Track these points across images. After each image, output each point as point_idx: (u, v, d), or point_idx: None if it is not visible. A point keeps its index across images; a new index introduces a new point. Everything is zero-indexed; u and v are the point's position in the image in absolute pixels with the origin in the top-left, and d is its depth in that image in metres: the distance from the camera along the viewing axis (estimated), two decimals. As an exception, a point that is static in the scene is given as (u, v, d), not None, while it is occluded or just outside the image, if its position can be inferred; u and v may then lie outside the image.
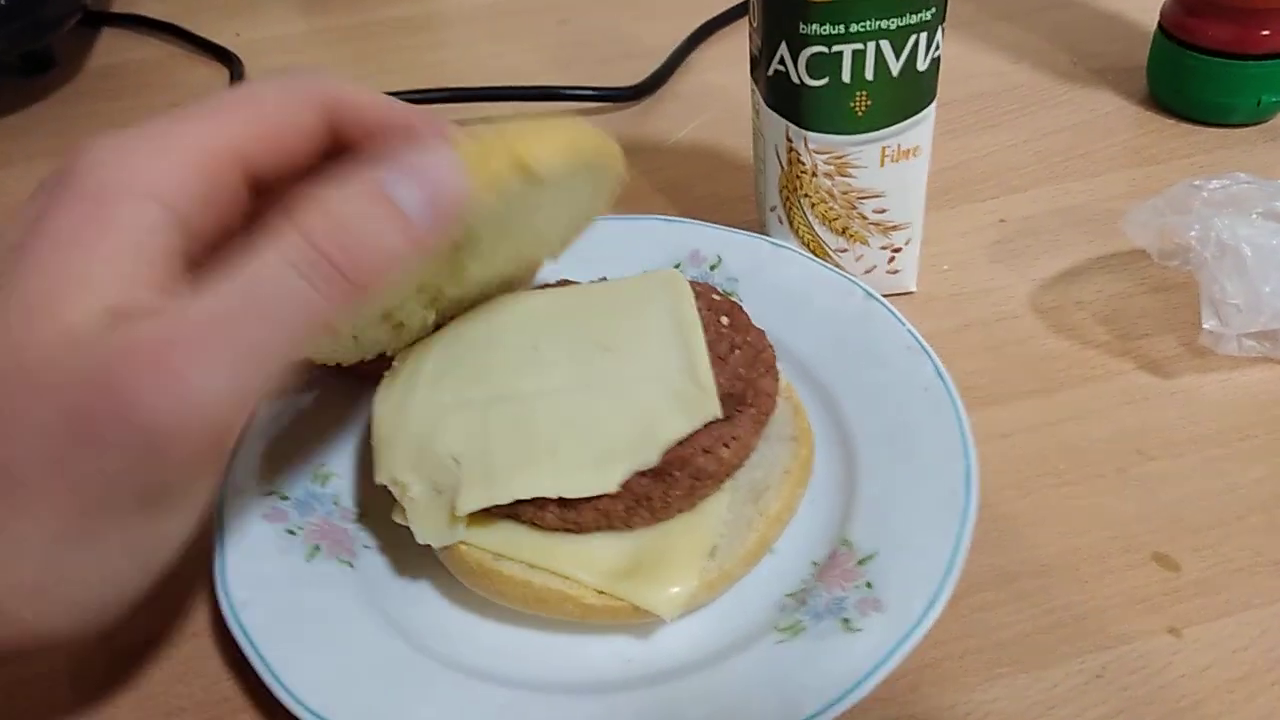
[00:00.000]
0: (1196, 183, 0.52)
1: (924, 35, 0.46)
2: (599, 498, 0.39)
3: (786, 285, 0.52)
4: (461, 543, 0.39)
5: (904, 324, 0.49)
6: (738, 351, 0.44)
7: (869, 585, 0.40)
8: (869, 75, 0.47)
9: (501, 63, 0.82)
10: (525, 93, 0.72)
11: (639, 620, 0.39)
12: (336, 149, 0.36)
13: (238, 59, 0.80)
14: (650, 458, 0.39)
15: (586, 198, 0.43)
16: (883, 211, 0.52)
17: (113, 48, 0.86)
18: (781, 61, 0.48)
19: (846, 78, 0.47)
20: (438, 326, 0.45)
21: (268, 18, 0.89)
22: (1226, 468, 0.47)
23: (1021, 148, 0.68)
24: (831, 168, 0.51)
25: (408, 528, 0.40)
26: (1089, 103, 0.72)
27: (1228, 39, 0.64)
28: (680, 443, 0.39)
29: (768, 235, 0.56)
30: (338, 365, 0.45)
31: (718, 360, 0.42)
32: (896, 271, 0.55)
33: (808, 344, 0.49)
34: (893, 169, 0.50)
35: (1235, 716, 0.38)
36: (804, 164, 0.51)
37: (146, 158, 0.31)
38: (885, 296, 0.51)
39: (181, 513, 0.32)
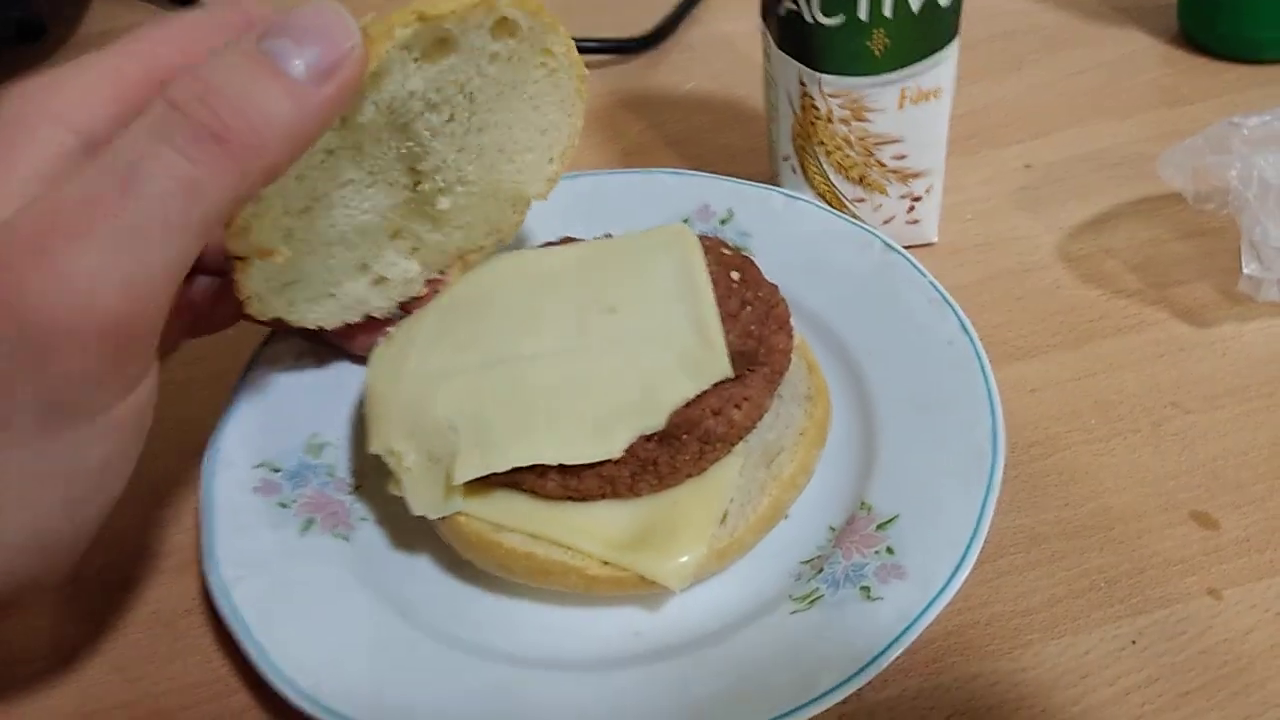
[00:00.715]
0: (1236, 120, 0.50)
1: (944, -34, 0.44)
2: (602, 464, 0.37)
3: (801, 238, 0.50)
4: (460, 514, 0.38)
5: (925, 276, 0.46)
6: (749, 308, 0.41)
7: (890, 551, 0.38)
8: (887, 11, 0.44)
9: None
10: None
11: (646, 591, 0.37)
12: None
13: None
14: (656, 421, 0.37)
15: (551, 104, 0.41)
16: (902, 158, 0.50)
17: (104, 14, 0.84)
18: (793, -1, 0.45)
19: (864, 14, 0.45)
20: (430, 283, 0.43)
21: (264, -23, 0.87)
22: (1268, 420, 0.44)
23: (1047, 90, 0.65)
24: (847, 112, 0.48)
25: (401, 500, 0.38)
26: (1117, 41, 0.69)
27: (1265, -33, 0.61)
28: (688, 404, 0.37)
29: (781, 187, 0.53)
30: (323, 333, 0.43)
31: (728, 317, 0.40)
32: (917, 221, 0.52)
33: (824, 299, 0.47)
34: (912, 112, 0.48)
35: (1280, 683, 0.36)
36: (818, 109, 0.48)
37: (58, 87, 0.31)
38: (905, 248, 0.49)
39: (96, 435, 0.30)
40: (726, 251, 0.44)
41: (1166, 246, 0.53)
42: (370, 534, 0.41)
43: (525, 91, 0.40)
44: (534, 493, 0.37)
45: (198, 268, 0.39)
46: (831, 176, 0.51)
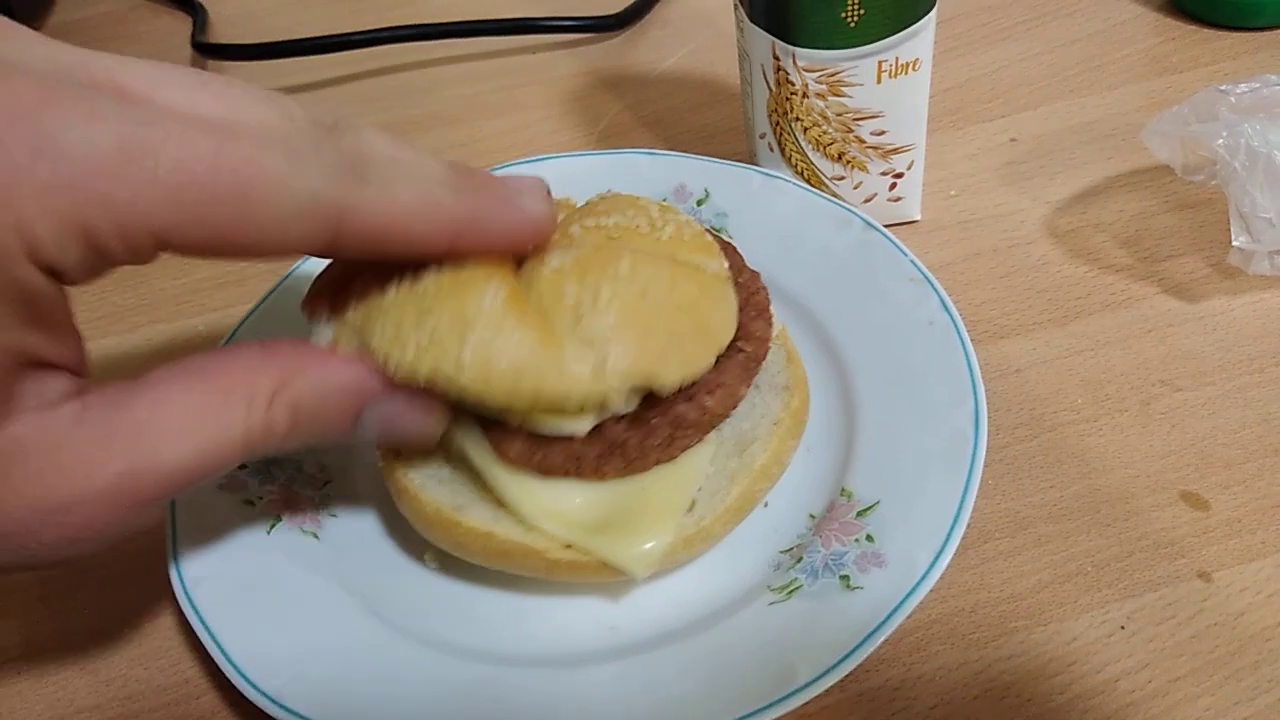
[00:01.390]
0: (1223, 87, 0.48)
1: (920, -66, 0.42)
2: (569, 440, 0.35)
3: (779, 218, 0.49)
4: (421, 489, 0.36)
5: (906, 255, 0.45)
6: None
7: (870, 538, 0.37)
8: (860, -19, 0.43)
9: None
10: (501, 26, 0.68)
11: (609, 579, 0.36)
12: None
13: (201, 7, 0.76)
14: (628, 402, 0.36)
15: None
16: (882, 133, 0.48)
17: (74, 3, 0.82)
18: (765, -31, 0.44)
19: (836, -16, 0.43)
20: None
21: (236, -38, 0.85)
22: (1259, 396, 0.43)
23: (1032, 61, 0.63)
24: (824, 87, 0.47)
25: (376, 493, 0.37)
26: (1104, 10, 0.67)
27: (1256, -69, 0.59)
28: None
29: (758, 165, 0.52)
30: None
31: None
32: (899, 199, 0.51)
33: (803, 280, 0.46)
34: (891, 85, 0.46)
35: (1274, 666, 0.35)
36: (793, 84, 0.47)
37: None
38: (887, 226, 0.48)
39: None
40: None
41: (1156, 220, 0.52)
42: (340, 530, 0.40)
43: None
44: (498, 451, 0.35)
45: None
46: (810, 154, 0.49)
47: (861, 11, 0.44)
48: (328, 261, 0.36)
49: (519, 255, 0.35)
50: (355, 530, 0.40)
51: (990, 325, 0.47)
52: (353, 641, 0.36)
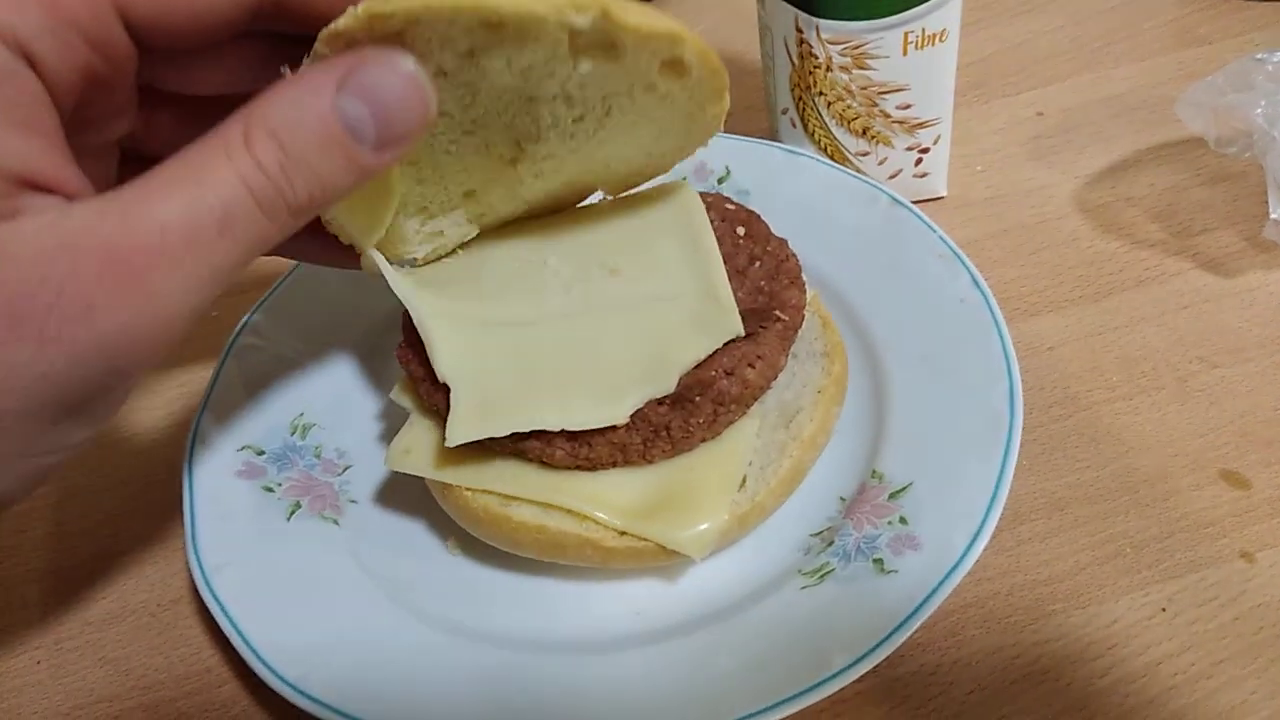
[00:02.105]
0: (1259, 56, 0.47)
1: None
2: (612, 430, 0.35)
3: (803, 195, 0.47)
4: (465, 488, 0.36)
5: (935, 230, 0.44)
6: (758, 264, 0.39)
7: (903, 520, 0.36)
8: (886, -51, 0.42)
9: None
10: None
11: (665, 562, 0.35)
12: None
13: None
14: (666, 384, 0.35)
15: (674, 137, 0.38)
16: (907, 107, 0.47)
17: None
18: (787, -61, 0.43)
19: (861, -47, 0.42)
20: None
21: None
22: (1301, 372, 0.42)
23: (1059, 34, 0.62)
24: (848, 59, 0.45)
25: (397, 478, 0.36)
26: (1132, -19, 0.66)
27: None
28: (699, 366, 0.35)
29: (780, 142, 0.51)
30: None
31: (736, 274, 0.38)
32: (925, 175, 0.50)
33: (829, 258, 0.45)
34: (917, 57, 0.45)
35: (1322, 649, 0.34)
36: (817, 57, 0.46)
37: None
38: (913, 203, 0.47)
39: (95, 424, 0.30)
40: (731, 207, 0.42)
41: (1188, 193, 0.51)
42: (361, 516, 0.40)
43: (659, 124, 0.37)
44: (542, 463, 0.36)
45: None
46: (833, 129, 0.48)
47: (888, -20, 0.42)
48: None
49: None
50: (376, 516, 0.40)
51: (1021, 303, 0.46)
52: (375, 628, 0.35)
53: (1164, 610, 0.36)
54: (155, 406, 0.46)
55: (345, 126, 0.28)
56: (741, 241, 0.40)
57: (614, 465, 0.36)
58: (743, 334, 0.36)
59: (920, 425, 0.39)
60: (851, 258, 0.45)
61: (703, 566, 0.37)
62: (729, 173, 0.49)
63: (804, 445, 0.37)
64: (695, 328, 0.36)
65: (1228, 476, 0.39)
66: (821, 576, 0.35)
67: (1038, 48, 0.61)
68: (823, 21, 0.44)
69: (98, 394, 0.28)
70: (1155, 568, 0.37)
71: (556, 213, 0.43)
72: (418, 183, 0.36)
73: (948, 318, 0.41)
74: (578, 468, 0.36)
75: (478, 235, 0.40)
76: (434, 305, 0.37)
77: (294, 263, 0.47)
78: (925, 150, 0.49)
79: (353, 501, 0.40)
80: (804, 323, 0.39)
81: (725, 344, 0.36)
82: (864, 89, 0.46)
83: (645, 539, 0.35)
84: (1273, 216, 0.45)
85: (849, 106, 0.47)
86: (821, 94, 0.47)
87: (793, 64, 0.47)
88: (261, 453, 0.41)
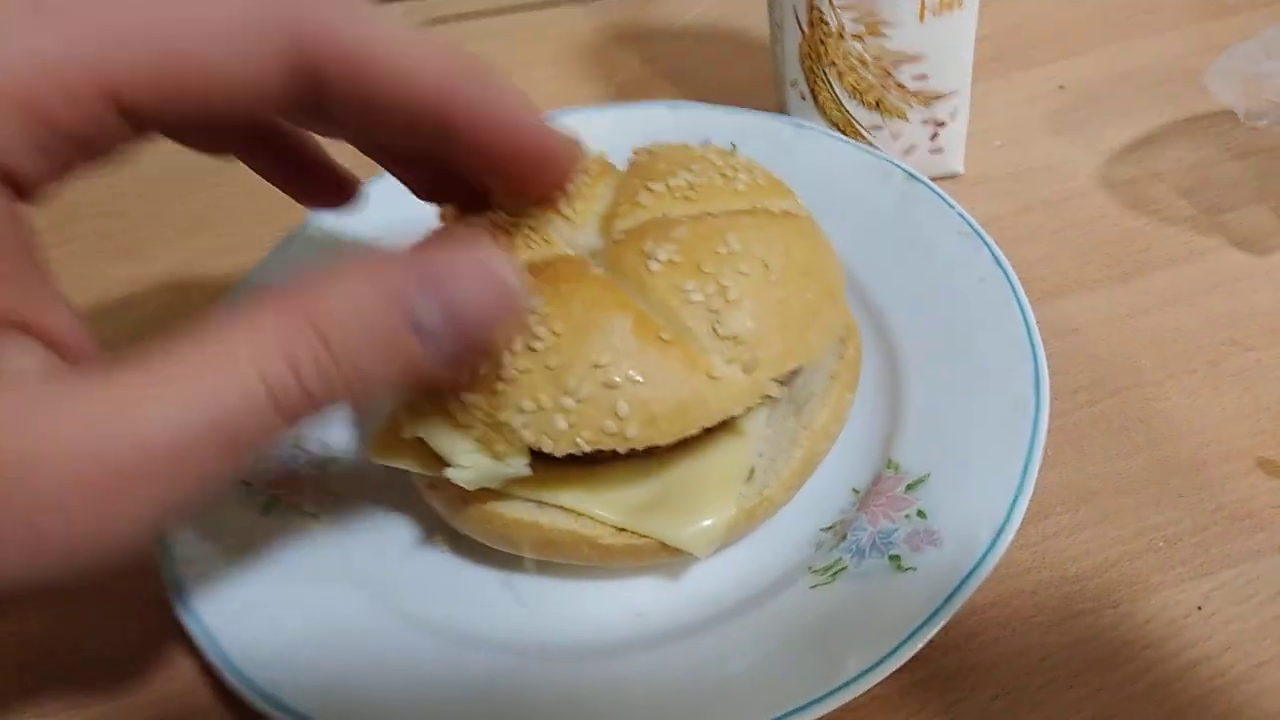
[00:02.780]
0: (1297, 22, 0.45)
1: None
2: None
3: (813, 171, 0.45)
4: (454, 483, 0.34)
5: (954, 207, 0.42)
6: None
7: (921, 514, 0.34)
8: (901, -92, 0.40)
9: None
10: (513, -19, 0.65)
11: (667, 560, 0.33)
12: (319, 98, 0.26)
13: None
14: None
15: None
16: (923, 78, 0.45)
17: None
18: (795, -101, 0.40)
19: (874, -88, 0.40)
20: None
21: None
22: (1341, 355, 0.40)
23: (1080, 4, 0.60)
24: (861, 27, 0.43)
25: (381, 470, 0.34)
26: (1155, -51, 0.64)
27: None
28: None
29: (789, 116, 0.49)
30: None
31: None
32: (940, 150, 0.48)
33: (841, 237, 0.42)
34: (934, 25, 0.43)
35: (1372, 651, 0.32)
36: (828, 25, 0.43)
37: None
38: (929, 180, 0.44)
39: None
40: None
41: (1218, 168, 0.48)
42: (343, 511, 0.38)
43: None
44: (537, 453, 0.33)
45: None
46: (845, 102, 0.46)
47: (903, -60, 0.40)
48: None
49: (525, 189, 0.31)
50: (360, 511, 0.38)
51: (1045, 283, 0.44)
52: (356, 631, 0.33)
53: (1200, 609, 0.33)
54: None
55: (414, 334, 0.24)
56: None
57: (613, 457, 0.34)
58: None
59: (939, 412, 0.37)
60: (864, 236, 0.43)
61: (707, 565, 0.35)
62: (735, 148, 0.47)
63: (816, 435, 0.35)
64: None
65: (1265, 465, 0.37)
66: (834, 574, 0.33)
67: (1059, 19, 0.59)
68: (834, -14, 0.42)
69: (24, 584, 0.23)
70: (1190, 563, 0.35)
71: None
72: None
73: (967, 298, 0.39)
74: (573, 459, 0.34)
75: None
76: None
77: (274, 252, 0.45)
78: (941, 124, 0.47)
79: (332, 494, 0.38)
80: None
81: None
82: (877, 59, 0.44)
83: (645, 535, 0.33)
84: (1309, 191, 0.43)
85: (862, 78, 0.45)
86: (833, 64, 0.45)
87: (803, 32, 0.45)
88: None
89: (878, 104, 0.46)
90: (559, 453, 0.30)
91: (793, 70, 0.47)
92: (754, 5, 0.62)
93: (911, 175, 0.44)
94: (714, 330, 0.31)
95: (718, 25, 0.63)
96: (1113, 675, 0.32)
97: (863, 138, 0.47)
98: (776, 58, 0.49)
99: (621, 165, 0.40)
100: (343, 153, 0.33)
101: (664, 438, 0.31)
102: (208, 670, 0.35)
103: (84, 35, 0.22)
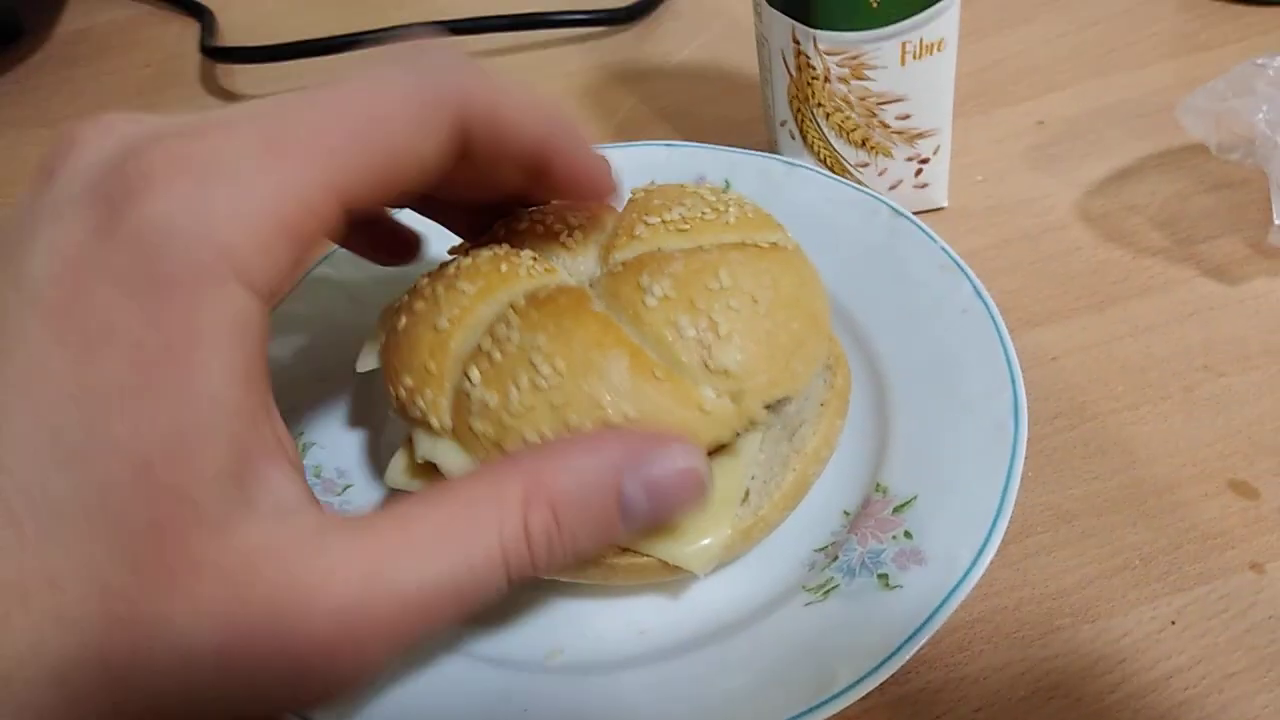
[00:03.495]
0: (1260, 60, 0.47)
1: (943, -91, 0.41)
2: None
3: (803, 207, 0.47)
4: None
5: (936, 241, 0.44)
6: None
7: (908, 535, 0.35)
8: (882, -40, 0.42)
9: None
10: (511, 21, 0.67)
11: (668, 578, 0.35)
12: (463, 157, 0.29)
13: (209, 12, 0.76)
14: None
15: None
16: (906, 118, 0.47)
17: (81, 11, 0.82)
18: (783, -49, 0.43)
19: (857, -36, 0.42)
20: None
21: (244, -35, 0.85)
22: (1308, 380, 0.42)
23: (1058, 42, 0.62)
24: (846, 70, 0.45)
25: (397, 495, 0.36)
26: (1130, -12, 0.66)
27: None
28: None
29: (780, 154, 0.51)
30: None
31: None
32: (925, 185, 0.50)
33: (830, 270, 0.44)
34: (915, 68, 0.45)
35: (1335, 662, 0.33)
36: (814, 69, 0.46)
37: (226, 211, 0.23)
38: (914, 214, 0.46)
39: None
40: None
41: (1192, 200, 0.50)
42: (359, 537, 0.39)
43: None
44: None
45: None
46: (832, 140, 0.48)
47: (885, -9, 0.42)
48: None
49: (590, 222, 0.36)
50: (375, 536, 0.39)
51: (1024, 313, 0.46)
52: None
53: (1173, 623, 0.35)
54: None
55: (621, 512, 0.27)
56: None
57: None
58: None
59: (924, 437, 0.38)
60: (853, 269, 0.45)
61: (707, 582, 0.36)
62: (729, 185, 0.49)
63: (807, 458, 0.37)
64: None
65: (1236, 486, 0.39)
66: (826, 592, 0.35)
67: (1038, 56, 0.61)
68: (820, 32, 0.44)
69: None
70: (1164, 580, 0.36)
71: None
72: None
73: (950, 329, 0.41)
74: None
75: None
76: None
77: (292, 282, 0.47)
78: (925, 161, 0.49)
79: (351, 521, 0.40)
80: None
81: None
82: (862, 100, 0.46)
83: (647, 555, 0.34)
84: (1276, 223, 0.44)
85: (848, 117, 0.47)
86: (820, 105, 0.47)
87: (790, 76, 0.47)
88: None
89: (864, 142, 0.48)
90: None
91: (782, 111, 0.49)
92: (740, 44, 0.64)
93: (897, 211, 0.45)
94: (705, 365, 0.32)
95: (709, 63, 0.65)
96: (1091, 687, 0.34)
97: (850, 174, 0.49)
98: (766, 99, 0.51)
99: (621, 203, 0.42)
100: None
101: None
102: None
103: (316, 157, 0.24)
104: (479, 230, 0.38)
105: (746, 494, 0.36)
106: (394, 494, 0.37)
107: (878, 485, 0.38)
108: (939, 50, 0.45)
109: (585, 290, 0.34)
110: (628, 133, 0.61)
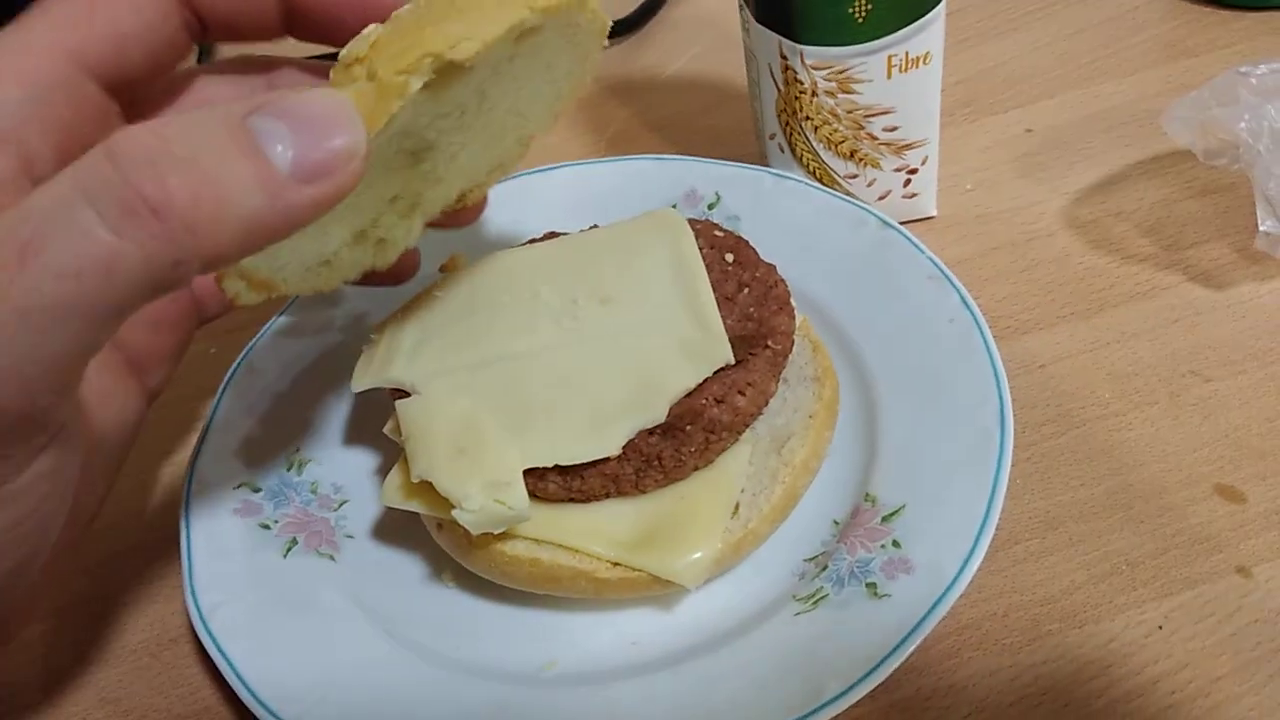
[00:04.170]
0: (1243, 69, 0.47)
1: (926, -76, 0.41)
2: (604, 462, 0.35)
3: (793, 219, 0.48)
4: (458, 521, 0.36)
5: (924, 252, 0.44)
6: (746, 290, 0.40)
7: (896, 544, 0.36)
8: (867, -25, 0.42)
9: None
10: (506, 36, 0.68)
11: (660, 592, 0.36)
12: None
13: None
14: (657, 414, 0.35)
15: (565, 60, 0.37)
16: (894, 129, 0.47)
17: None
18: (769, -34, 0.43)
19: (842, -20, 0.42)
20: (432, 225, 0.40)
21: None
22: (1293, 384, 0.42)
23: (1044, 50, 0.62)
24: (833, 84, 0.46)
25: (392, 511, 0.37)
26: (1117, -5, 0.66)
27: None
28: (689, 394, 0.36)
29: (769, 167, 0.51)
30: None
31: (725, 301, 0.39)
32: (914, 195, 0.50)
33: (819, 281, 0.45)
34: (902, 80, 0.46)
35: (1320, 664, 0.34)
36: (802, 83, 0.46)
37: None
38: (903, 223, 0.47)
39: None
40: (719, 234, 0.42)
41: (1178, 206, 0.51)
42: (357, 551, 0.40)
43: (542, 61, 0.36)
44: (535, 496, 0.36)
45: None
46: (821, 153, 0.49)
47: (869, 6, 0.43)
48: None
49: None
50: (372, 551, 0.40)
51: (1012, 321, 0.46)
52: (373, 665, 0.35)
53: (1160, 628, 0.35)
54: (152, 444, 0.47)
55: (256, 132, 0.24)
56: (730, 268, 0.41)
57: (606, 496, 0.36)
58: (733, 361, 0.36)
59: (912, 447, 0.39)
60: (842, 281, 0.45)
61: (698, 595, 0.37)
62: (719, 198, 0.50)
63: (796, 470, 0.37)
64: (685, 356, 0.36)
65: (1222, 491, 0.39)
66: (815, 602, 0.35)
67: (1024, 65, 0.61)
68: (806, 48, 0.45)
69: None
70: (1151, 585, 0.37)
71: (551, 240, 0.43)
72: (332, 222, 0.34)
73: (937, 339, 0.41)
74: (570, 500, 0.36)
75: (473, 268, 0.41)
76: (424, 367, 0.37)
77: (289, 298, 0.47)
78: (914, 171, 0.49)
79: (349, 537, 0.40)
80: (794, 348, 0.39)
81: (715, 372, 0.36)
82: (850, 112, 0.47)
83: (639, 569, 0.35)
84: (1262, 228, 0.45)
85: (836, 130, 0.48)
86: (808, 119, 0.47)
87: (779, 90, 0.47)
88: (258, 489, 0.41)
89: (852, 154, 0.49)
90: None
91: (771, 124, 0.50)
92: (730, 57, 0.65)
93: (885, 222, 0.46)
94: None
95: (699, 76, 0.66)
96: (1079, 691, 0.34)
97: (839, 186, 0.50)
98: (756, 112, 0.51)
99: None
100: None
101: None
102: (235, 704, 0.37)
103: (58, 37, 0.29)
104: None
105: (736, 507, 0.36)
106: (390, 512, 0.38)
107: (867, 494, 0.38)
108: (925, 63, 0.45)
109: None
110: (620, 144, 0.61)
